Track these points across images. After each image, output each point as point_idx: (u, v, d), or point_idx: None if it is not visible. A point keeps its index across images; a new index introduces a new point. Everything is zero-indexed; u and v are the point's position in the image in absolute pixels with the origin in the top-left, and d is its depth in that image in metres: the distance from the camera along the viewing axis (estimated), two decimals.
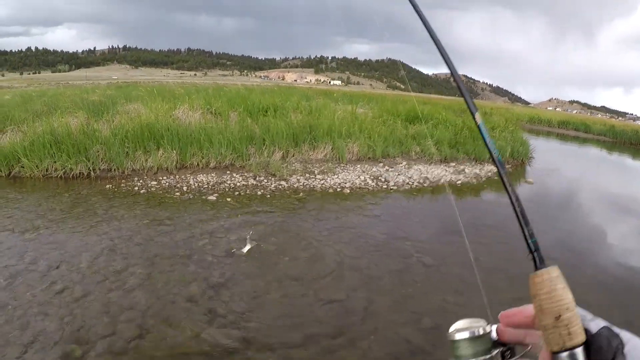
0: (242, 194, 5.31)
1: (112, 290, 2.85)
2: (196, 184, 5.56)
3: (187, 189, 5.35)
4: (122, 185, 5.44)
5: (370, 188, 5.85)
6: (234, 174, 6.01)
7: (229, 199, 4.99)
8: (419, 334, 2.56)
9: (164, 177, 5.79)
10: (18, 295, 2.76)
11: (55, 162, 5.77)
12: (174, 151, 6.10)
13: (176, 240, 3.79)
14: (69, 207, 4.52)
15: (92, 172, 5.79)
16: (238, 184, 5.67)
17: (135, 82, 20.67)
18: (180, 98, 8.89)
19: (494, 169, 6.74)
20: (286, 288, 3.03)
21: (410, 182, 6.26)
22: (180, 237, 3.85)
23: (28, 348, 2.24)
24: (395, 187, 6.02)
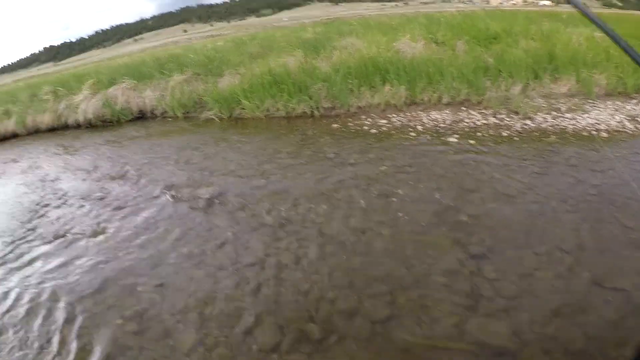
0: (484, 135, 6.28)
1: (354, 255, 3.75)
2: (431, 123, 6.87)
3: (422, 129, 6.67)
4: (350, 124, 7.33)
5: (628, 132, 6.35)
6: (471, 111, 7.19)
7: (471, 141, 6.03)
8: None
9: (394, 115, 7.42)
10: (248, 253, 4.06)
11: (276, 102, 8.50)
12: (402, 86, 7.85)
13: (424, 194, 4.70)
14: (295, 150, 6.54)
15: (315, 111, 8.11)
16: (478, 122, 6.75)
17: (338, 18, 25.99)
18: (398, 29, 11.10)
19: None
20: (559, 264, 3.38)
21: None
22: (428, 189, 4.77)
23: (258, 322, 3.18)
24: None
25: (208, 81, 10.42)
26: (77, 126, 12.54)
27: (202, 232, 4.69)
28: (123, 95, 11.59)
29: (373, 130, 6.90)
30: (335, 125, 7.45)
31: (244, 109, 8.96)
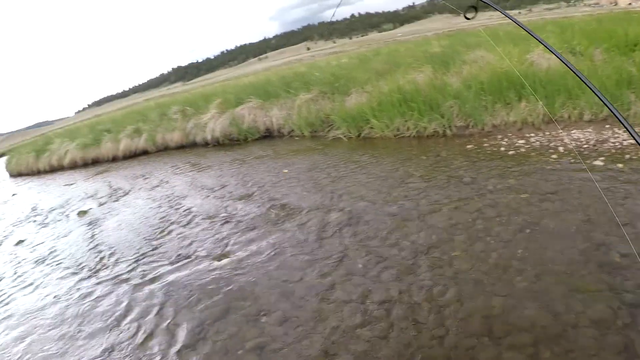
0: (633, 157, 6.01)
1: (494, 297, 3.76)
2: (572, 143, 6.92)
3: (564, 150, 6.77)
4: (485, 144, 7.70)
5: None
6: (616, 129, 7.04)
7: (619, 165, 5.84)
8: None
9: (532, 134, 7.63)
10: (378, 288, 4.24)
11: (406, 121, 9.15)
12: (540, 102, 7.93)
13: (571, 227, 4.57)
14: (428, 173, 6.92)
15: (447, 130, 8.61)
16: (624, 142, 6.57)
17: (460, 30, 26.45)
18: (529, 38, 10.94)
19: None
20: None
21: None
22: (575, 221, 4.64)
23: None
24: None
25: (335, 99, 11.49)
26: (205, 144, 14.47)
27: (330, 262, 4.97)
28: (250, 114, 13.26)
29: (511, 152, 7.12)
30: (469, 146, 7.82)
31: (372, 128, 9.80)
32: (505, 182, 5.97)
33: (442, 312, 3.74)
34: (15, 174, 24.86)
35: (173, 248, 6.53)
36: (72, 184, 15.52)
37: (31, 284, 6.75)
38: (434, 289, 4.06)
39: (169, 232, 7.25)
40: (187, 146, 15.57)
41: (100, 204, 10.72)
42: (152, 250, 6.71)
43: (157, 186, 10.90)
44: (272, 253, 5.57)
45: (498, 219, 5.02)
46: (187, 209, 8.20)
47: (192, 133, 15.25)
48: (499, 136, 8.05)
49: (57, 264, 7.29)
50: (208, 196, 8.74)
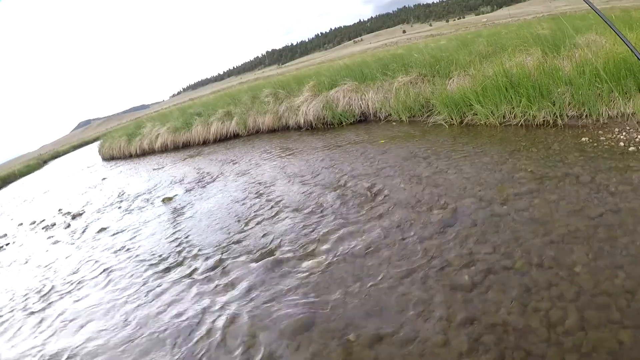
0: None
1: (622, 329, 3.25)
2: None
3: None
4: (601, 137, 7.37)
5: None
6: None
7: None
8: None
9: None
10: (488, 307, 3.87)
11: (513, 108, 9.07)
12: None
13: None
14: (540, 169, 6.52)
15: (558, 120, 8.43)
16: None
17: (562, 13, 25.21)
18: None
19: None
20: None
21: None
22: None
23: None
24: None
25: (435, 83, 11.52)
26: (297, 128, 15.02)
27: (431, 272, 4.59)
28: (344, 97, 13.62)
29: (631, 148, 6.60)
30: (584, 139, 7.43)
31: (476, 114, 9.73)
32: (628, 182, 5.41)
33: (562, 344, 3.32)
34: (108, 158, 27.08)
35: (257, 244, 6.47)
36: (160, 168, 16.58)
37: (106, 276, 7.07)
38: (551, 313, 3.62)
39: (254, 225, 7.28)
40: (278, 130, 16.25)
41: (186, 190, 11.37)
42: (235, 244, 6.74)
43: (246, 172, 11.37)
44: (363, 257, 5.27)
45: (623, 229, 4.45)
46: (275, 199, 8.36)
47: (284, 116, 15.87)
48: (616, 129, 7.57)
49: (135, 257, 7.57)
50: (298, 184, 8.94)
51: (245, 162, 12.70)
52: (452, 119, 10.33)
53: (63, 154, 62.66)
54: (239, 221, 7.74)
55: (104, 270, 7.34)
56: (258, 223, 7.34)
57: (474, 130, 9.46)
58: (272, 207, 7.98)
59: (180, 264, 6.67)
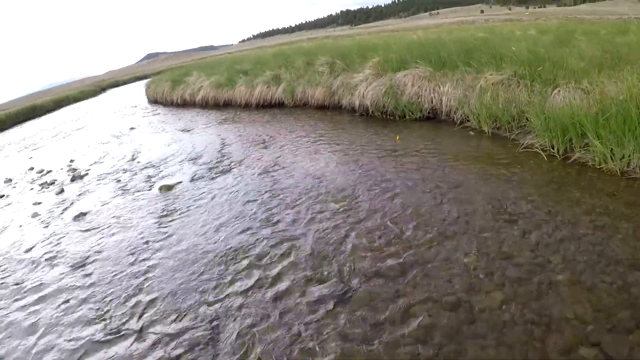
0: None
1: None
2: None
3: None
4: None
5: None
6: None
7: None
8: None
9: None
10: None
11: None
12: None
13: None
14: None
15: None
16: None
17: None
18: None
19: None
20: None
21: None
22: None
23: None
24: None
25: (533, 89, 8.76)
26: (351, 110, 12.25)
27: None
28: (414, 84, 10.66)
29: None
30: None
31: (588, 148, 6.81)
32: None
33: None
34: (152, 101, 25.33)
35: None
36: (188, 131, 14.36)
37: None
38: None
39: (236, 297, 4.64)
40: (329, 107, 13.45)
41: (192, 179, 9.00)
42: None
43: (274, 166, 8.85)
44: None
45: None
46: (292, 237, 5.64)
47: (338, 93, 13.04)
48: None
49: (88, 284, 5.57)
50: (327, 201, 6.57)
51: (279, 147, 10.22)
52: (553, 148, 7.33)
53: (123, 84, 61.48)
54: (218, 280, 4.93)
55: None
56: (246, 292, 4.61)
57: (584, 174, 6.42)
58: (282, 252, 5.28)
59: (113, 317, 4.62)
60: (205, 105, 19.18)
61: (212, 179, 8.67)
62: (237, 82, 17.30)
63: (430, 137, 9.26)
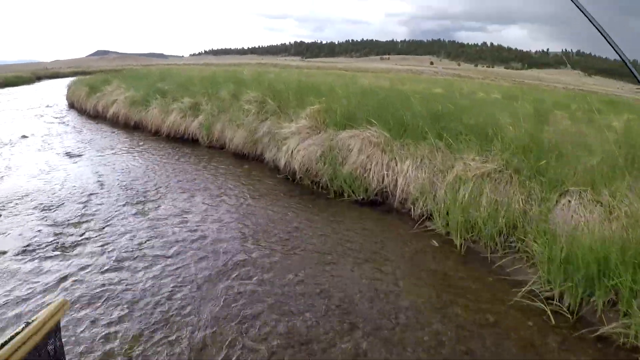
0: None
1: None
2: None
3: None
4: None
5: None
6: None
7: None
8: None
9: None
10: None
11: None
12: None
13: None
14: None
15: None
16: None
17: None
18: None
19: None
20: None
21: None
22: None
23: None
24: None
25: (533, 191, 5.72)
26: (275, 169, 8.94)
27: None
28: (361, 152, 7.45)
29: None
30: None
31: (616, 306, 3.94)
32: None
33: None
34: (70, 104, 21.41)
35: None
36: (78, 156, 10.70)
37: None
38: None
39: None
40: (248, 157, 10.04)
41: (24, 248, 5.46)
42: None
43: (148, 239, 5.79)
44: None
45: None
46: None
47: (262, 143, 9.67)
48: None
49: None
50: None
51: (162, 212, 7.01)
52: (563, 302, 4.25)
53: (63, 76, 56.13)
54: None
55: None
56: None
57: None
58: None
59: None
60: (115, 122, 15.39)
61: (45, 258, 5.16)
62: (152, 103, 13.61)
63: (371, 235, 6.09)
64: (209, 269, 4.93)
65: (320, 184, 7.75)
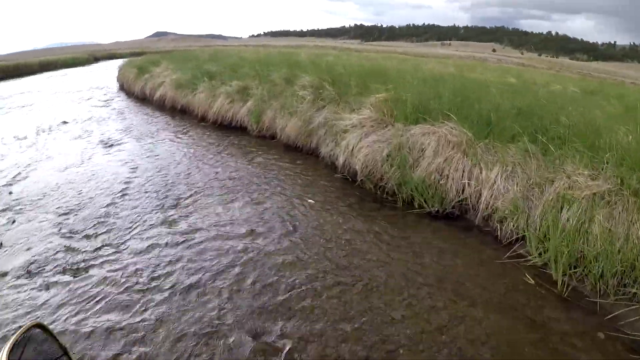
0: None
1: None
2: None
3: None
4: None
5: None
6: None
7: None
8: None
9: None
10: None
11: None
12: None
13: None
14: None
15: None
16: None
17: None
18: None
19: None
20: None
21: None
22: None
23: None
24: None
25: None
26: (332, 166, 7.83)
27: None
28: (437, 154, 6.24)
29: None
30: None
31: None
32: None
33: None
34: (120, 86, 20.73)
35: None
36: (117, 145, 9.99)
37: None
38: None
39: None
40: (302, 150, 8.96)
41: (38, 265, 4.76)
42: None
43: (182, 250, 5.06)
44: None
45: None
46: None
47: (317, 135, 8.60)
48: None
49: None
50: None
51: (199, 221, 6.12)
52: None
53: (119, 57, 56.47)
54: None
55: None
56: None
57: None
58: None
59: None
60: (162, 106, 14.60)
61: (58, 273, 4.41)
62: (199, 86, 12.69)
63: (450, 261, 4.97)
64: (249, 308, 3.91)
65: (386, 189, 6.57)
